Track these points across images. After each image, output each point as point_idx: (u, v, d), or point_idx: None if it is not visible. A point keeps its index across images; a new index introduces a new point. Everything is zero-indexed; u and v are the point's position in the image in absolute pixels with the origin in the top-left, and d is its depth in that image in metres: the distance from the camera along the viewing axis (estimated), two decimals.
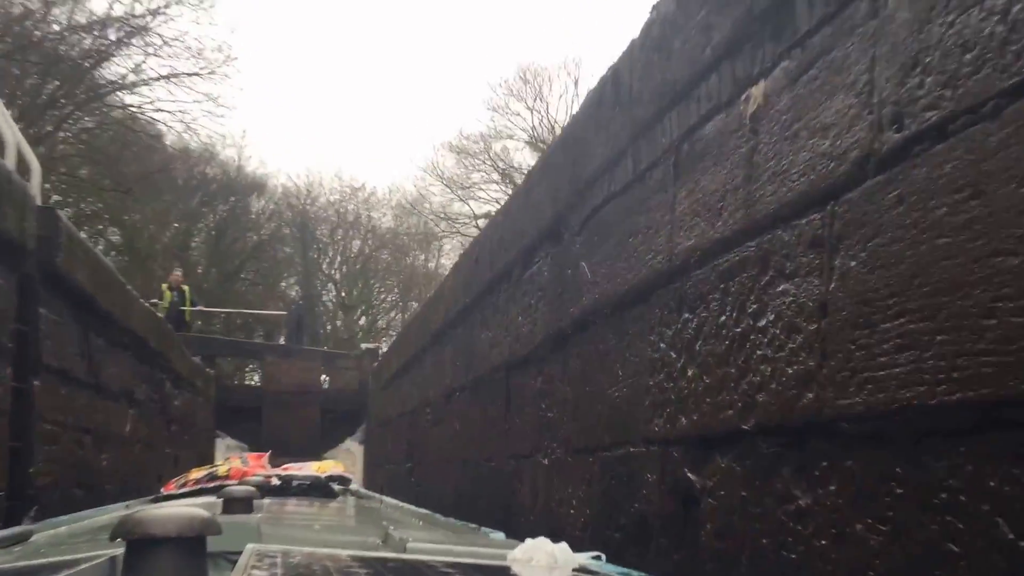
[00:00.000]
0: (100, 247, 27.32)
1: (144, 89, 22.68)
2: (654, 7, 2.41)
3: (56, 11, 21.03)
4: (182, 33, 21.89)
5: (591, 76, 33.10)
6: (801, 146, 1.63)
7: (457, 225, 36.70)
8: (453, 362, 5.45)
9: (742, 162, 1.87)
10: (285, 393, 13.59)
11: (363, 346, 16.81)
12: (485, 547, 2.29)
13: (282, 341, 22.05)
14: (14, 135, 4.12)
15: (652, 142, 2.38)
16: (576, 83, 32.94)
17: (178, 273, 16.86)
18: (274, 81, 60.48)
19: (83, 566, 1.49)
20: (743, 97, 1.89)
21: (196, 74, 22.07)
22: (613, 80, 2.70)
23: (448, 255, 40.11)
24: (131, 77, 22.14)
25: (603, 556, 2.04)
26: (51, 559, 1.87)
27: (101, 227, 25.77)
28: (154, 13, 21.22)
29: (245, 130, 35.56)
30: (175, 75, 22.21)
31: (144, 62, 21.91)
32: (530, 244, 3.64)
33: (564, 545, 1.90)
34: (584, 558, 1.95)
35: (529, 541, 1.94)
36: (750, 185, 1.82)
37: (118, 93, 22.52)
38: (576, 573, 1.82)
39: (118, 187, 21.84)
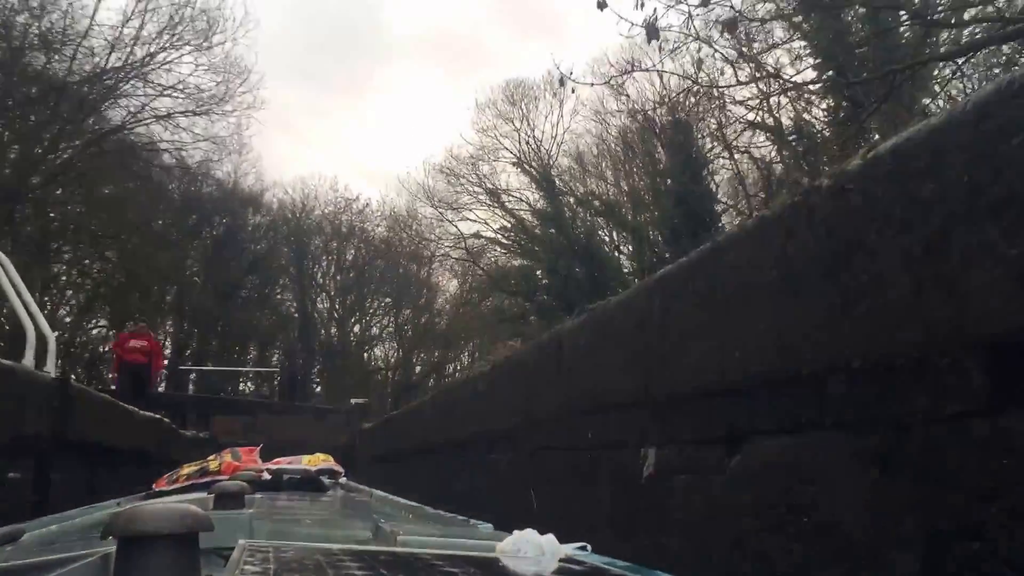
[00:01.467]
0: (96, 266, 27.66)
1: (144, 127, 23.05)
2: None
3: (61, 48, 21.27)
4: (184, 76, 22.31)
5: (571, 95, 33.44)
6: None
7: (445, 246, 37.11)
8: (432, 488, 5.45)
9: None
10: (277, 449, 13.81)
11: (352, 401, 17.24)
12: (474, 539, 2.33)
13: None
14: (32, 317, 4.51)
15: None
16: (561, 104, 33.29)
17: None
18: (269, 94, 60.73)
19: (75, 565, 1.48)
20: None
21: (194, 112, 22.54)
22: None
23: (439, 260, 40.42)
24: (132, 118, 22.50)
25: (588, 546, 2.07)
26: (42, 558, 1.85)
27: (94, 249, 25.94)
28: (152, 55, 21.60)
29: (242, 147, 35.67)
30: (172, 114, 22.66)
31: (144, 107, 22.24)
32: (493, 436, 4.04)
33: (551, 536, 1.96)
34: (570, 548, 1.98)
35: (517, 532, 1.98)
36: None
37: (119, 133, 22.86)
38: (563, 563, 1.85)
39: (116, 234, 22.17)
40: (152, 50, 22.41)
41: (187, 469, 5.67)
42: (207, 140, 25.10)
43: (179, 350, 36.18)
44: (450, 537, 2.34)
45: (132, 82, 22.32)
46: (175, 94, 22.84)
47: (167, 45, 22.74)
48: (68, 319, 30.70)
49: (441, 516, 3.85)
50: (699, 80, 26.35)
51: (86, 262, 26.22)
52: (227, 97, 24.11)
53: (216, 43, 23.67)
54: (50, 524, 3.21)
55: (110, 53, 21.82)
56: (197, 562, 1.39)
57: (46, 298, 28.48)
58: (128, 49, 22.11)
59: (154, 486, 5.55)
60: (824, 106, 24.70)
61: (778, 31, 24.52)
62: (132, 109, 22.89)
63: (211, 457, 5.94)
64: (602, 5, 12.40)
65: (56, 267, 25.71)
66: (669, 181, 30.67)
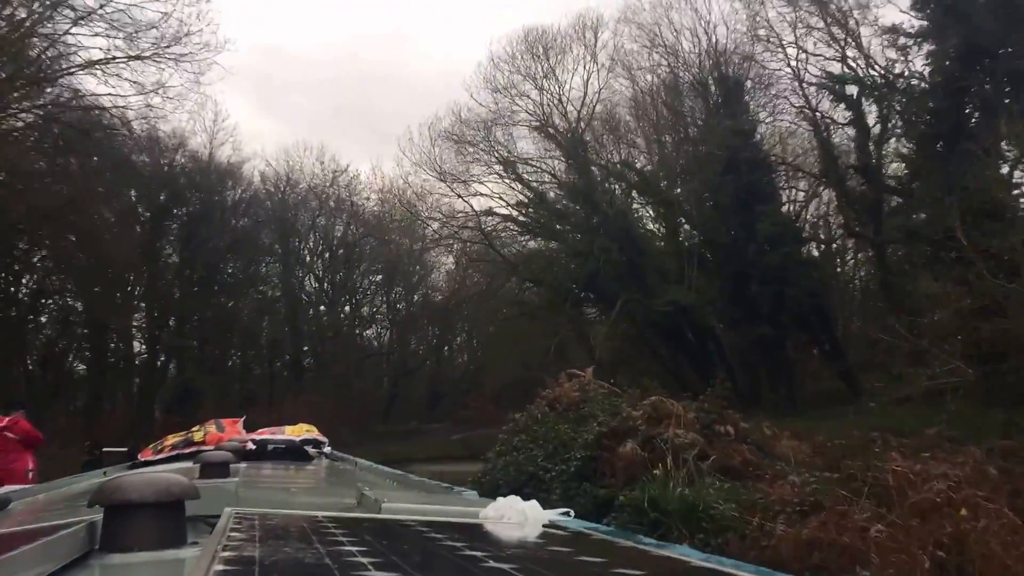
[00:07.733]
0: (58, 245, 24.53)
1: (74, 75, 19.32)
2: None
3: None
4: (129, 5, 18.74)
5: (607, 44, 30.09)
6: None
7: (454, 225, 33.55)
8: None
9: None
10: None
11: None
12: (458, 506, 2.42)
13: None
14: None
15: None
16: (595, 56, 29.85)
17: None
18: (248, 58, 57.48)
19: (62, 532, 1.54)
20: None
21: (137, 58, 18.88)
22: None
23: (445, 245, 37.26)
24: (55, 64, 18.77)
25: (571, 512, 2.17)
26: (30, 526, 2.04)
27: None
28: None
29: (216, 114, 32.78)
30: (109, 60, 18.91)
31: (73, 52, 18.63)
32: None
33: (534, 503, 2.06)
34: (553, 515, 2.08)
35: (500, 500, 2.09)
36: None
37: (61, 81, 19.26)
38: (546, 528, 1.94)
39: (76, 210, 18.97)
40: None
41: (171, 440, 5.82)
42: (153, 91, 21.31)
43: (151, 343, 33.51)
44: (434, 504, 2.41)
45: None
46: (109, 32, 19.03)
47: None
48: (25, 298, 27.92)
49: (425, 484, 3.99)
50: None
51: (47, 242, 23.07)
52: (179, 37, 20.48)
53: None
54: (37, 493, 3.45)
55: None
56: (184, 530, 1.47)
57: None
58: None
59: (139, 456, 5.77)
60: (924, 51, 21.94)
61: None
62: (55, 53, 19.21)
63: (195, 428, 6.04)
64: None
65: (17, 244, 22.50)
66: (704, 148, 27.56)
